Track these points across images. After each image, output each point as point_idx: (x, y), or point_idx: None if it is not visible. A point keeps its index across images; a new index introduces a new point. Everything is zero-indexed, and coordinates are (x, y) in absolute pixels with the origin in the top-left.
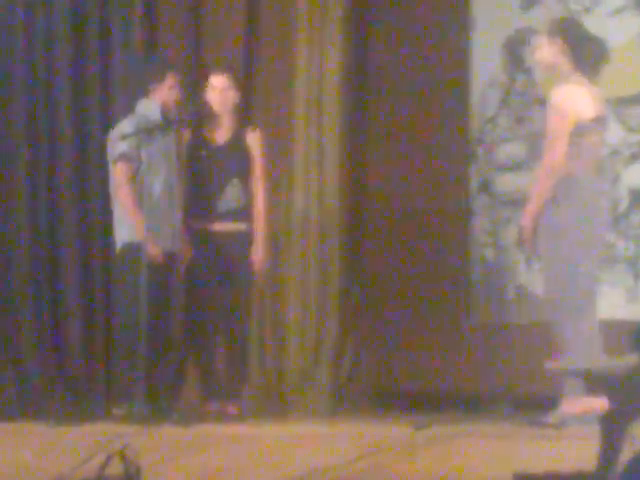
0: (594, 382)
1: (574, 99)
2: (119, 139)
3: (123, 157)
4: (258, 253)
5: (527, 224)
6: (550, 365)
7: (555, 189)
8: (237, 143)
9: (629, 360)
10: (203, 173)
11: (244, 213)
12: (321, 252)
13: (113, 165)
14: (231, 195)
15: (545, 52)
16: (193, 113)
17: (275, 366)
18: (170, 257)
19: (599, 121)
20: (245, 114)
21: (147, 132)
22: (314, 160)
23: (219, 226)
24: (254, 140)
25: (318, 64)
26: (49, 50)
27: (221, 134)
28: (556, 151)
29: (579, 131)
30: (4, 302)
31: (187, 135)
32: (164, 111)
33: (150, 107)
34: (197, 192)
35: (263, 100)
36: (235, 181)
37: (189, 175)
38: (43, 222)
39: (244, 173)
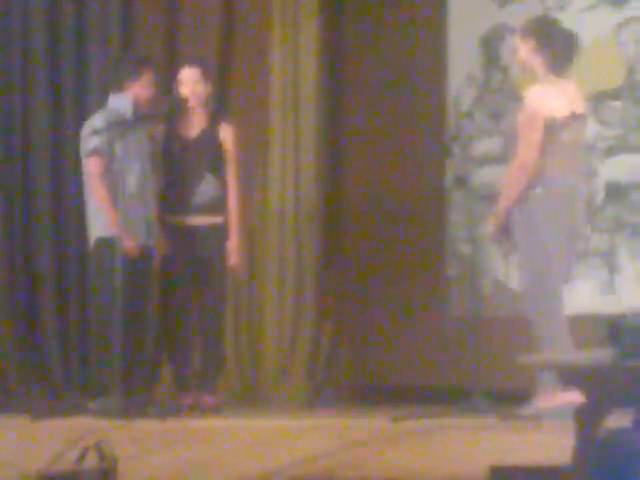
0: (568, 375)
1: (545, 99)
2: (91, 134)
3: (95, 152)
4: (233, 247)
5: (498, 221)
6: (525, 359)
7: (531, 185)
8: (210, 137)
9: (604, 354)
10: (177, 167)
11: (218, 207)
12: (297, 246)
13: (85, 160)
14: (205, 189)
15: (519, 52)
16: (166, 108)
17: (252, 359)
18: (145, 251)
19: (574, 118)
20: (220, 108)
21: (119, 127)
22: (290, 155)
23: (194, 220)
24: (227, 134)
25: (294, 59)
26: (25, 45)
27: (194, 128)
28: (527, 152)
29: (553, 129)
30: None
31: (161, 129)
32: (136, 106)
33: (122, 102)
34: (171, 186)
35: (239, 95)
36: (209, 175)
37: (163, 169)
38: (17, 217)
39: (218, 167)
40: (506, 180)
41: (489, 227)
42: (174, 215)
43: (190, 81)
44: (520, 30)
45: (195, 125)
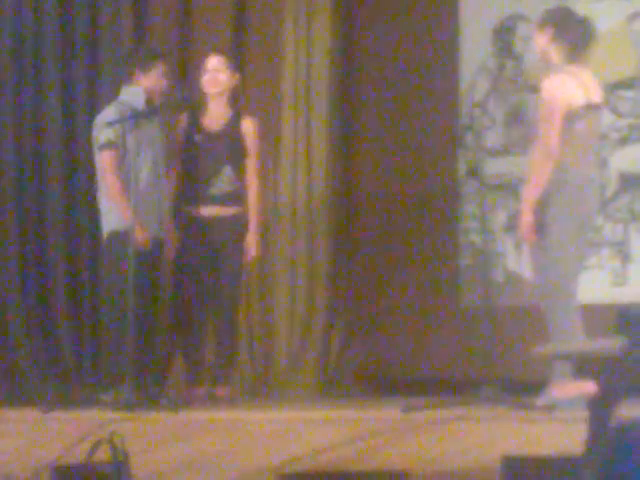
0: (581, 365)
1: (563, 89)
2: (103, 126)
3: (108, 144)
4: (252, 241)
5: (528, 217)
6: (539, 349)
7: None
8: (232, 129)
9: (616, 343)
10: (197, 158)
11: (236, 199)
12: (309, 237)
13: (98, 152)
14: (224, 180)
15: (537, 42)
16: (181, 99)
17: (264, 351)
18: (158, 243)
19: (591, 108)
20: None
21: (132, 119)
22: (302, 147)
23: (211, 211)
24: (249, 127)
25: (306, 51)
26: (37, 37)
27: (216, 119)
28: (550, 139)
29: (569, 119)
30: None
31: (183, 120)
32: (149, 98)
33: (134, 94)
34: (190, 177)
35: (252, 87)
36: (228, 167)
37: (183, 160)
38: (30, 210)
39: (237, 159)
40: (531, 170)
41: (519, 225)
42: (190, 205)
43: (212, 69)
44: (539, 19)
45: (218, 116)
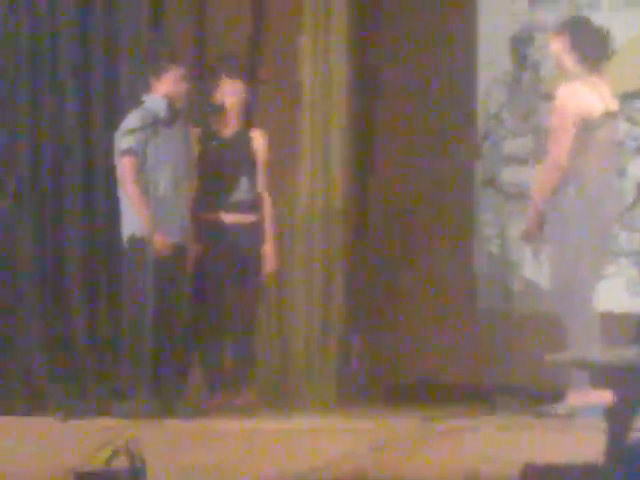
0: (598, 374)
1: (578, 97)
2: (126, 133)
3: (129, 151)
4: (269, 253)
5: (531, 221)
6: (555, 357)
7: (563, 183)
8: (242, 141)
9: (633, 352)
10: (215, 165)
11: (254, 205)
12: (326, 243)
13: (119, 159)
14: (241, 189)
15: (553, 49)
16: (203, 110)
17: (281, 359)
18: (178, 250)
19: (608, 117)
20: (253, 113)
21: (153, 126)
22: (319, 156)
23: (232, 217)
24: (259, 140)
25: (324, 60)
26: (54, 42)
27: (228, 130)
28: (559, 148)
29: (586, 127)
30: (10, 297)
31: (198, 128)
32: (170, 105)
33: (156, 100)
34: (209, 184)
35: (269, 96)
36: (243, 177)
37: (200, 167)
38: (49, 216)
39: (250, 170)
40: (539, 179)
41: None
42: (211, 212)
43: (232, 93)
44: (555, 28)
45: (230, 127)
